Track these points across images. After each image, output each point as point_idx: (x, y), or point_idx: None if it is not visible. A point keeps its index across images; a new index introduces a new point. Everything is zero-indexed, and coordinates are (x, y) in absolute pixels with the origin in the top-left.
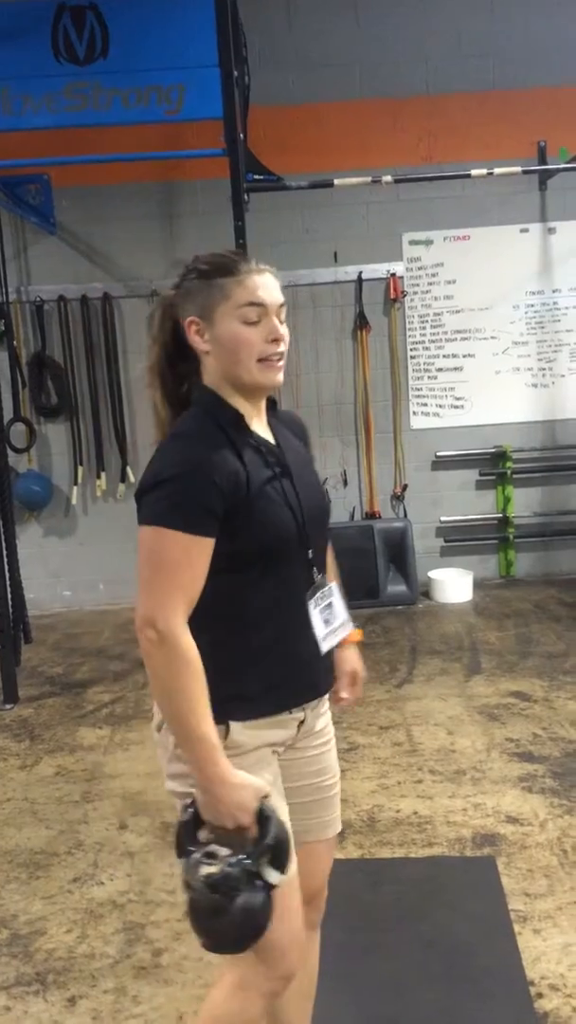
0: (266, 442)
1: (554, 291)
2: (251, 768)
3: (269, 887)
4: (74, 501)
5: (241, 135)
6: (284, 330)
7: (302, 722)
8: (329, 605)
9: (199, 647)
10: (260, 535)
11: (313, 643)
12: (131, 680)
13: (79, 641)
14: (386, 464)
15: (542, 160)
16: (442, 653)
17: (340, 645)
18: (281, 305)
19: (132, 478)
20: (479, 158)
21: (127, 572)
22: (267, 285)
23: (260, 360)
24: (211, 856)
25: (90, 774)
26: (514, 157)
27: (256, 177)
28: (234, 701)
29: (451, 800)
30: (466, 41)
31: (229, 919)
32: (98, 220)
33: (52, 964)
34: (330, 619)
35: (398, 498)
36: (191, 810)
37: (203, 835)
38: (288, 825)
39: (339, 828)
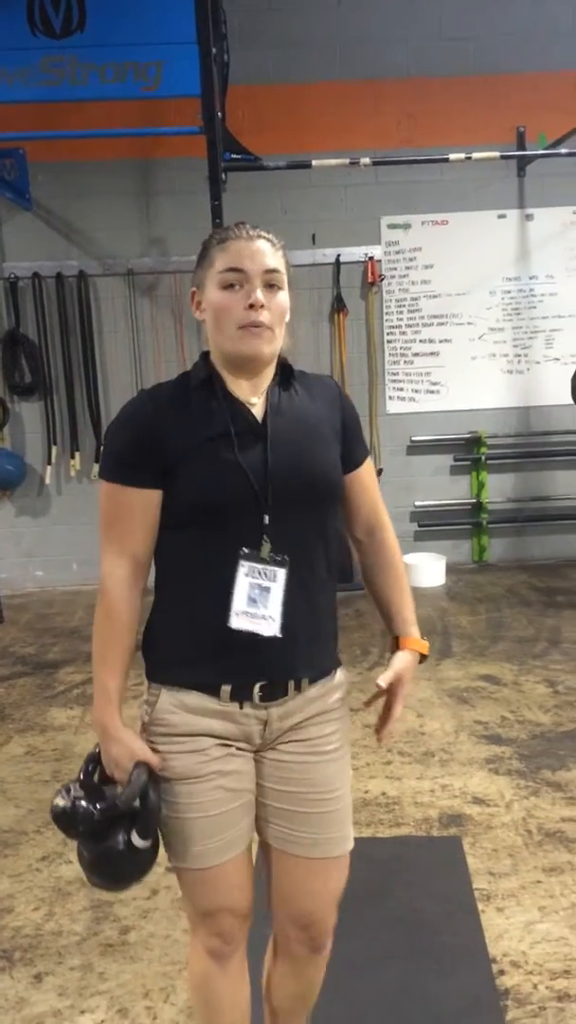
0: (238, 405)
1: (531, 278)
2: (183, 753)
3: (132, 847)
4: (48, 481)
5: (219, 113)
6: (280, 298)
7: (267, 722)
8: (265, 589)
9: (156, 604)
10: (190, 492)
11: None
12: None
13: (51, 621)
14: None
15: (521, 146)
16: None
17: (399, 647)
18: (269, 271)
19: None
20: (458, 142)
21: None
22: (254, 251)
23: (240, 328)
24: (68, 792)
25: (60, 754)
26: (494, 142)
27: (234, 156)
28: (164, 662)
29: (419, 781)
30: (447, 24)
31: (82, 854)
32: (74, 197)
33: (19, 941)
34: (258, 601)
35: None
36: (96, 750)
37: (96, 777)
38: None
39: (335, 853)
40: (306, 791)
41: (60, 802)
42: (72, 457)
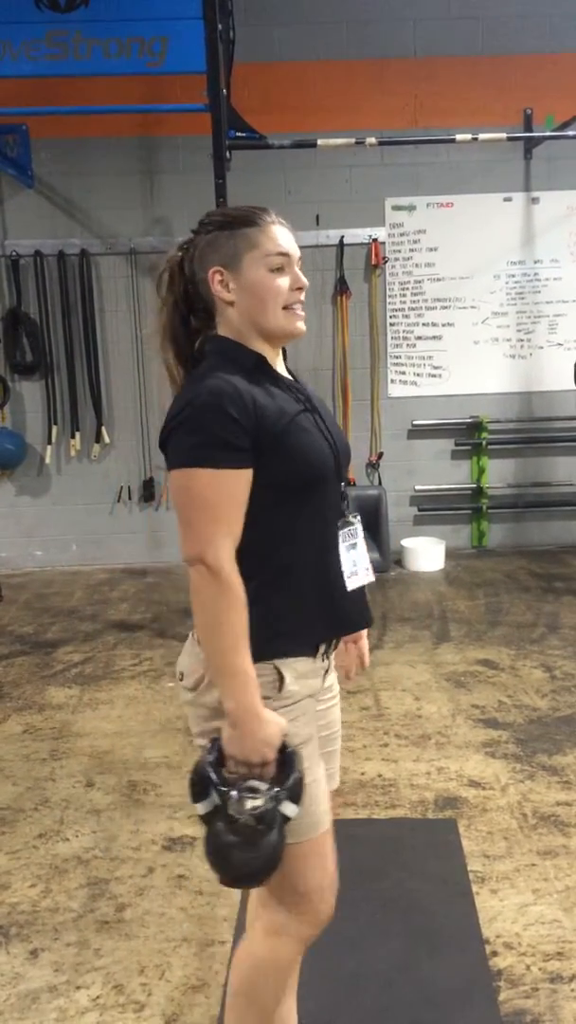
0: (291, 380)
1: (535, 262)
2: (299, 718)
3: (286, 820)
4: (48, 460)
5: (224, 91)
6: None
7: (326, 671)
8: (355, 545)
9: (247, 593)
10: (297, 464)
11: (343, 577)
12: (101, 640)
13: (50, 601)
14: (362, 431)
15: (528, 128)
16: (412, 620)
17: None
18: (300, 257)
19: (107, 438)
20: (465, 124)
21: (100, 533)
22: (290, 237)
23: (285, 307)
24: (253, 791)
25: (58, 732)
26: (501, 124)
27: (239, 134)
28: (281, 638)
29: (415, 764)
30: (455, 3)
31: (261, 852)
32: (77, 174)
33: (15, 918)
34: (356, 559)
35: (373, 466)
36: (216, 749)
37: (226, 774)
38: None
39: (337, 783)
40: (333, 732)
41: (259, 802)
42: (72, 437)
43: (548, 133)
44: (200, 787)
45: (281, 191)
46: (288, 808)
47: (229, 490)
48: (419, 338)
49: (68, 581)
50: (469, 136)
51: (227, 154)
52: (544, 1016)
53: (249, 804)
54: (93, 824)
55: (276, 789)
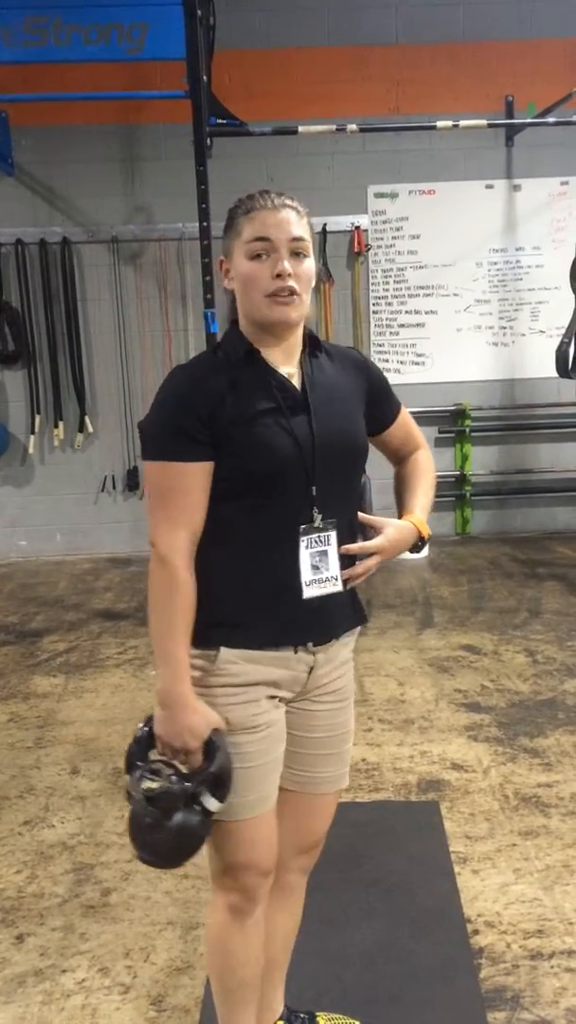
0: (280, 376)
1: (517, 249)
2: (238, 704)
3: (207, 812)
4: (31, 450)
5: (204, 77)
6: (307, 265)
7: (312, 668)
8: (323, 553)
9: (202, 571)
10: (244, 462)
11: (299, 582)
12: (86, 630)
13: (35, 591)
14: None
15: (509, 115)
16: (396, 607)
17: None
18: (295, 239)
19: (91, 428)
20: (447, 111)
21: (85, 523)
22: (280, 220)
23: (268, 296)
24: (155, 773)
25: (43, 721)
26: (482, 111)
27: (219, 122)
28: (224, 627)
29: (399, 748)
30: None
31: (164, 834)
32: (58, 162)
33: (1, 903)
34: (320, 566)
35: None
36: (146, 728)
37: (153, 754)
38: (256, 762)
39: (344, 784)
40: (333, 735)
41: (154, 784)
42: (56, 426)
43: (529, 120)
44: (127, 762)
45: (263, 178)
46: (209, 801)
47: (177, 483)
48: (402, 326)
49: (52, 571)
50: (450, 123)
51: (208, 141)
52: (524, 992)
53: (144, 785)
54: (78, 811)
55: (180, 778)
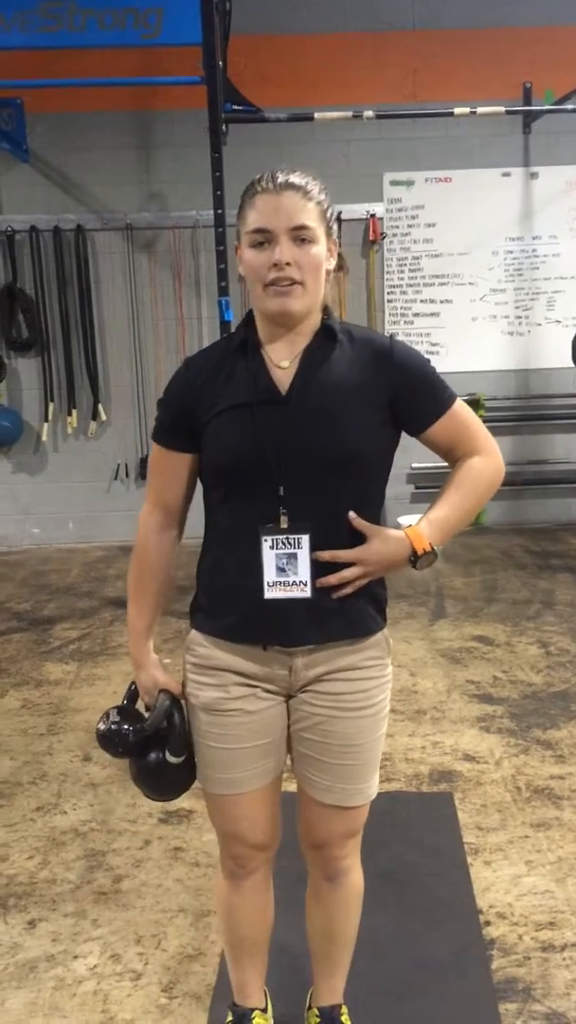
0: (264, 370)
1: (534, 238)
2: (207, 685)
3: (166, 763)
4: (44, 438)
5: (220, 63)
6: (313, 252)
7: (291, 668)
8: (292, 556)
9: (200, 555)
10: (209, 454)
11: (261, 582)
12: (98, 617)
13: (47, 578)
14: None
15: (527, 101)
16: (409, 597)
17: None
18: (296, 227)
19: (104, 416)
20: (464, 98)
21: (97, 510)
22: (279, 207)
23: (267, 285)
24: (108, 717)
25: (55, 708)
26: (499, 98)
27: (235, 108)
28: (199, 611)
29: (411, 738)
30: None
31: (136, 769)
32: (72, 148)
33: (13, 889)
34: (287, 569)
35: None
36: (134, 684)
37: (138, 704)
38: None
39: (347, 804)
40: (327, 743)
41: (101, 726)
42: (69, 414)
43: (547, 107)
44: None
45: (278, 165)
46: (167, 754)
47: (156, 464)
48: (417, 315)
49: (65, 558)
50: (467, 110)
51: (223, 128)
52: (536, 984)
53: (98, 724)
54: (90, 797)
55: (120, 724)
